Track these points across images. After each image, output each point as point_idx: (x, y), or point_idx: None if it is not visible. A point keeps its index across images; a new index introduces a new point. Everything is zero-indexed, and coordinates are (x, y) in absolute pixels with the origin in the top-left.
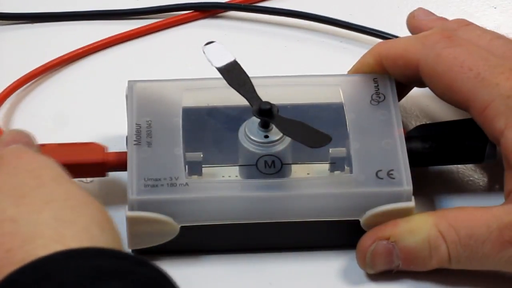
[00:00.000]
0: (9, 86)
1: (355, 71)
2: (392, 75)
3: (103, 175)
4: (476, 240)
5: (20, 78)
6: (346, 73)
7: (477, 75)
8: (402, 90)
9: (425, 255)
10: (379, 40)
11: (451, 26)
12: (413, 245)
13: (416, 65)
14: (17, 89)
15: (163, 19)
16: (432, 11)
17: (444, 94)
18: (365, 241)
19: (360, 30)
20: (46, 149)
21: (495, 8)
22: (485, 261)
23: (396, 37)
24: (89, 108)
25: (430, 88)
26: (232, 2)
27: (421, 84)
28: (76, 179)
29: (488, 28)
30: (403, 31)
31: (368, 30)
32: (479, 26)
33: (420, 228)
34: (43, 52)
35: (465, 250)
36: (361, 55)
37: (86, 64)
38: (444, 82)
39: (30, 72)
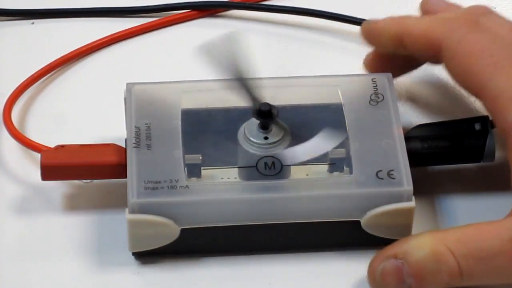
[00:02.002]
0: (13, 92)
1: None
2: (410, 51)
3: (124, 176)
4: (489, 252)
5: (21, 84)
6: (347, 71)
7: (496, 63)
8: (413, 64)
9: (434, 269)
10: None
11: (474, 11)
12: (420, 259)
13: (438, 45)
14: (20, 95)
15: (162, 17)
16: None
17: (460, 76)
18: (375, 262)
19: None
20: (66, 150)
21: (495, 8)
22: (499, 274)
23: None
24: (88, 109)
25: (447, 69)
26: (232, 1)
27: (436, 62)
28: (75, 180)
29: None
30: None
31: None
32: (499, 15)
33: (426, 243)
34: (42, 49)
35: (478, 263)
36: (361, 55)
37: (84, 64)
38: (463, 66)
39: (30, 76)
